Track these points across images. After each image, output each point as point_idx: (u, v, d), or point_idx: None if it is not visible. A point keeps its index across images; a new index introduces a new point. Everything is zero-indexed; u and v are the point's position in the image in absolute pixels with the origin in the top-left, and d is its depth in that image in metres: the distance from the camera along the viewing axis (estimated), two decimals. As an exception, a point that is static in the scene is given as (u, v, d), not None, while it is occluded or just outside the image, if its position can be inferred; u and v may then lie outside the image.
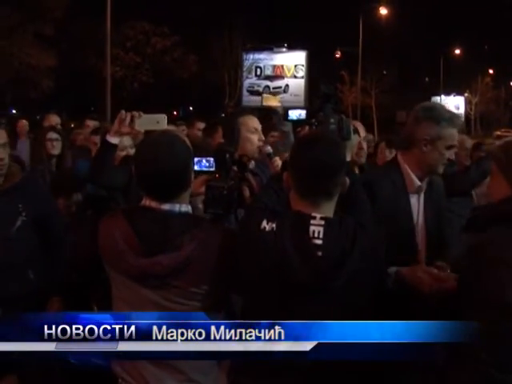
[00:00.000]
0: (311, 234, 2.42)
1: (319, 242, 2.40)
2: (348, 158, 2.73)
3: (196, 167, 3.16)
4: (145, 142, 2.70)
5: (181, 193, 2.60)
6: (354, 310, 2.40)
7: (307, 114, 2.99)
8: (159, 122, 3.35)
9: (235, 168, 3.46)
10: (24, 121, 10.95)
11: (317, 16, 44.95)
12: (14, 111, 33.19)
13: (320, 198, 2.50)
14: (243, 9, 35.64)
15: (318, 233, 2.41)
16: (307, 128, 2.91)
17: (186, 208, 2.62)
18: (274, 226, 2.47)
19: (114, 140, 3.38)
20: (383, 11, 46.89)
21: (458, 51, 64.20)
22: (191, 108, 44.50)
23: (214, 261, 2.51)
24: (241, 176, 3.33)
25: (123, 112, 3.38)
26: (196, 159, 3.18)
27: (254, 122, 3.94)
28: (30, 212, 3.61)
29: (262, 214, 2.56)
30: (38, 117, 9.92)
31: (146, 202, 2.60)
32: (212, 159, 3.26)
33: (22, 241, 3.57)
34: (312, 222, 2.44)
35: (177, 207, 2.58)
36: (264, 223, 2.49)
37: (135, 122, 3.33)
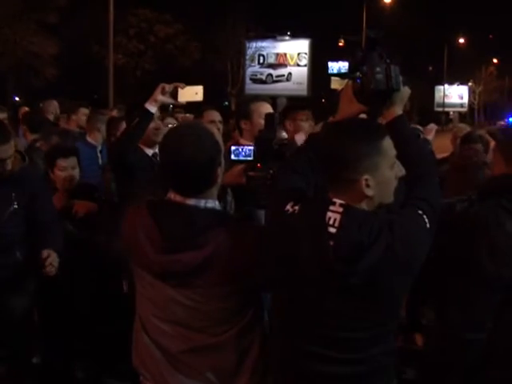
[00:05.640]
0: (327, 221, 2.20)
1: (333, 230, 2.18)
2: (399, 111, 2.47)
3: (233, 156, 3.11)
4: (170, 132, 2.59)
5: (207, 188, 2.46)
6: (378, 315, 2.26)
7: (349, 67, 2.57)
8: (197, 93, 3.56)
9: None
10: (26, 108, 11.03)
11: (320, 4, 44.78)
12: (16, 99, 33.14)
13: (339, 185, 2.25)
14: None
15: (334, 220, 2.18)
16: (350, 83, 2.51)
17: (212, 204, 2.48)
18: (296, 208, 2.30)
19: (151, 108, 3.66)
20: (387, -1, 46.74)
21: (462, 40, 63.99)
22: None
23: (239, 260, 2.37)
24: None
25: (164, 84, 3.64)
26: (233, 148, 3.13)
27: (266, 109, 3.94)
28: (22, 200, 3.80)
29: (289, 195, 2.38)
30: (40, 104, 9.93)
31: (171, 195, 2.49)
32: (250, 148, 3.13)
33: (12, 228, 3.76)
34: (331, 207, 2.21)
35: (202, 203, 2.45)
36: (289, 206, 2.32)
37: (178, 93, 3.64)
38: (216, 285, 2.38)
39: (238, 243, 2.38)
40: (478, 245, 2.57)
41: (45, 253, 3.60)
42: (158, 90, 3.65)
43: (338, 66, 2.68)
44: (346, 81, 2.58)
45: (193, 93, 3.55)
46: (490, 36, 64.47)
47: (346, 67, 2.64)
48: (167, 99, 3.67)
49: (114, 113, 9.41)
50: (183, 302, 2.42)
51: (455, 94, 64.41)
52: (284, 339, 2.38)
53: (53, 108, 9.07)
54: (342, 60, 2.74)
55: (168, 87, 3.65)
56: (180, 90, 3.62)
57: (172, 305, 2.44)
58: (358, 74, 2.48)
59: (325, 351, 2.27)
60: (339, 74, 2.62)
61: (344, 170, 2.21)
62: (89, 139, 6.84)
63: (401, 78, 2.46)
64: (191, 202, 2.44)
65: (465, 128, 7.58)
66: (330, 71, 2.67)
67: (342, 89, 2.59)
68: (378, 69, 2.42)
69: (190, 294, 2.41)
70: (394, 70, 2.43)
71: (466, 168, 5.32)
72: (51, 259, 3.59)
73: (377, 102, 2.48)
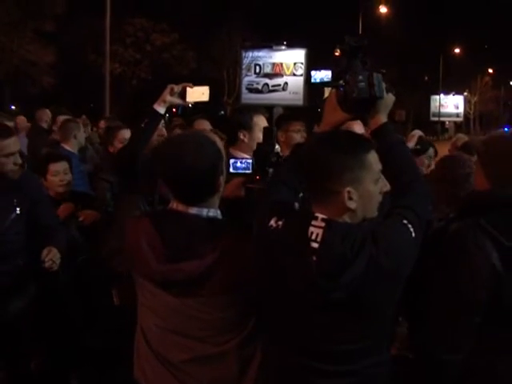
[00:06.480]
0: (309, 236, 2.18)
1: (316, 245, 2.16)
2: (384, 119, 2.45)
3: (232, 169, 3.12)
4: (171, 140, 2.58)
5: (209, 196, 2.47)
6: (367, 327, 2.24)
7: (332, 76, 2.62)
8: (204, 93, 3.65)
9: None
10: (22, 117, 11.19)
11: (316, 14, 44.86)
12: (13, 107, 33.07)
13: (323, 197, 2.23)
14: (242, 6, 35.58)
15: (317, 235, 2.16)
16: (334, 91, 2.51)
17: (214, 213, 2.49)
18: (280, 223, 2.28)
19: (159, 109, 3.67)
20: (383, 10, 46.91)
21: (457, 50, 64.18)
22: (190, 105, 44.35)
23: (240, 269, 2.37)
24: None
25: (172, 85, 3.68)
26: (232, 160, 3.15)
27: (264, 123, 3.91)
28: (24, 206, 3.82)
29: (274, 210, 2.36)
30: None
31: (174, 204, 2.49)
32: (249, 161, 3.15)
33: (13, 235, 3.76)
34: (313, 222, 2.19)
35: (204, 212, 2.45)
36: (272, 221, 2.30)
37: (186, 93, 3.66)
38: (217, 294, 2.37)
39: (240, 253, 2.38)
40: (457, 265, 2.51)
41: (45, 251, 3.62)
42: (167, 90, 3.67)
43: (320, 76, 2.65)
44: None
45: (200, 93, 3.66)
46: (486, 46, 64.65)
47: (329, 76, 2.64)
48: (176, 100, 3.69)
49: (102, 124, 9.51)
50: (184, 311, 2.41)
51: (451, 104, 64.52)
52: (278, 352, 2.37)
53: (46, 116, 9.24)
54: (326, 69, 2.77)
55: (176, 88, 3.68)
56: (187, 91, 3.66)
57: (173, 314, 2.43)
58: (341, 82, 2.48)
59: (317, 364, 2.26)
60: (322, 83, 2.61)
61: (327, 181, 2.20)
62: (67, 147, 6.59)
63: (384, 86, 2.45)
64: (193, 210, 2.44)
65: (464, 138, 7.53)
66: (312, 80, 2.66)
67: (327, 97, 2.59)
68: (360, 77, 2.41)
69: (191, 303, 2.40)
70: (377, 77, 2.42)
71: (440, 185, 5.29)
72: (51, 255, 3.60)
73: (361, 110, 2.47)
